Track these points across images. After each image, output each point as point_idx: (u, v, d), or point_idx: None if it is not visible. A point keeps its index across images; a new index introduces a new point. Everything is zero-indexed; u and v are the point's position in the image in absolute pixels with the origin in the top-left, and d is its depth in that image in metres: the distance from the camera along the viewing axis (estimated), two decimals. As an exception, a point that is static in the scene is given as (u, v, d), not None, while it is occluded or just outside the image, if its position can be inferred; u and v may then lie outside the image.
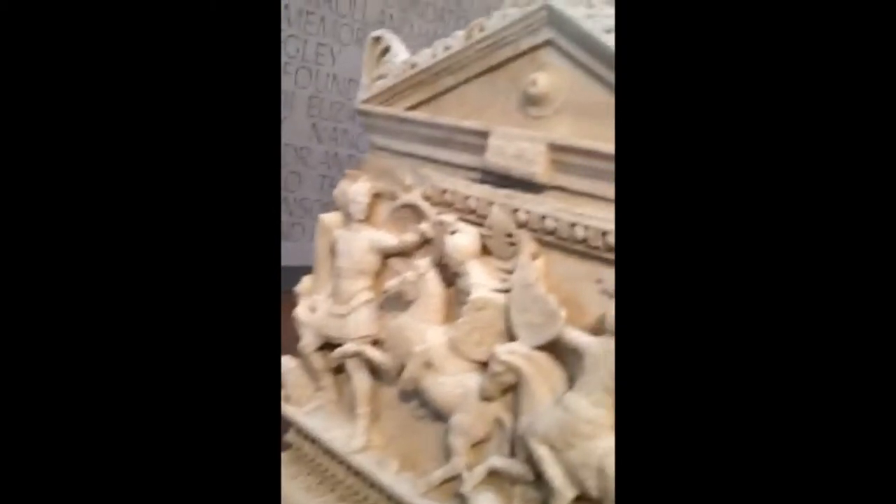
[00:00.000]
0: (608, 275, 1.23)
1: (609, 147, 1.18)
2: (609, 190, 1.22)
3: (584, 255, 1.28)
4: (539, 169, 1.30)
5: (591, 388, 1.20)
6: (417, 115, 1.56)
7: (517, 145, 1.33)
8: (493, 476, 1.39)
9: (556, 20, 1.29)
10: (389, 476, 1.55)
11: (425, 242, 1.55)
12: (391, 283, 1.57)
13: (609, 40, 1.20)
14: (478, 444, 1.44)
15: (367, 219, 1.70)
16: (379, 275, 1.68)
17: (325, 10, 3.99)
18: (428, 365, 1.46)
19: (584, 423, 1.19)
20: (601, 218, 1.23)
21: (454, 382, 1.43)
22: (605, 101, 1.24)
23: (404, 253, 1.61)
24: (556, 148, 1.28)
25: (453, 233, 1.44)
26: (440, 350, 1.46)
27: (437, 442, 1.51)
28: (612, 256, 1.22)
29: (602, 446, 1.17)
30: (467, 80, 1.49)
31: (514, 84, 1.39)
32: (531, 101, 1.35)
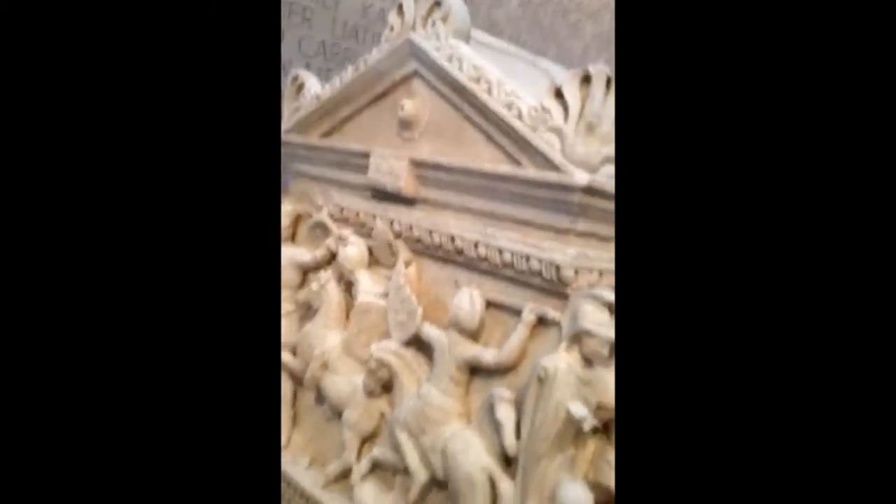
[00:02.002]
0: (464, 277, 1.36)
1: (456, 161, 1.33)
2: (458, 199, 1.36)
3: (444, 260, 1.41)
4: (403, 183, 1.45)
5: (440, 378, 1.32)
6: (320, 142, 1.74)
7: (389, 163, 1.49)
8: (380, 467, 1.51)
9: (417, 52, 1.46)
10: (299, 471, 1.68)
11: (333, 256, 1.71)
12: (299, 295, 1.73)
13: (452, 69, 1.35)
14: (371, 439, 1.57)
15: (291, 238, 1.88)
16: (301, 288, 1.84)
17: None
18: (325, 366, 1.60)
19: (434, 410, 1.31)
20: (454, 225, 1.37)
21: (345, 381, 1.56)
22: (457, 122, 1.39)
23: (319, 267, 1.77)
24: (415, 164, 1.43)
25: (347, 246, 1.60)
26: (335, 352, 1.60)
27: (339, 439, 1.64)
28: (461, 259, 1.35)
29: (449, 431, 1.28)
30: (360, 109, 1.66)
31: (393, 111, 1.56)
32: (403, 124, 1.51)
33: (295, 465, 1.71)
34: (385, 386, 1.49)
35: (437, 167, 1.40)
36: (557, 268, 1.16)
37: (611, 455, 1.26)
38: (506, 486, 1.18)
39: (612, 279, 1.22)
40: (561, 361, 1.13)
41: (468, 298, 1.29)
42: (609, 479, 1.25)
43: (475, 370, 1.32)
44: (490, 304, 1.32)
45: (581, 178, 1.10)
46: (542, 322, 1.22)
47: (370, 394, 1.50)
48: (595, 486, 1.26)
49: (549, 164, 1.16)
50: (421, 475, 1.32)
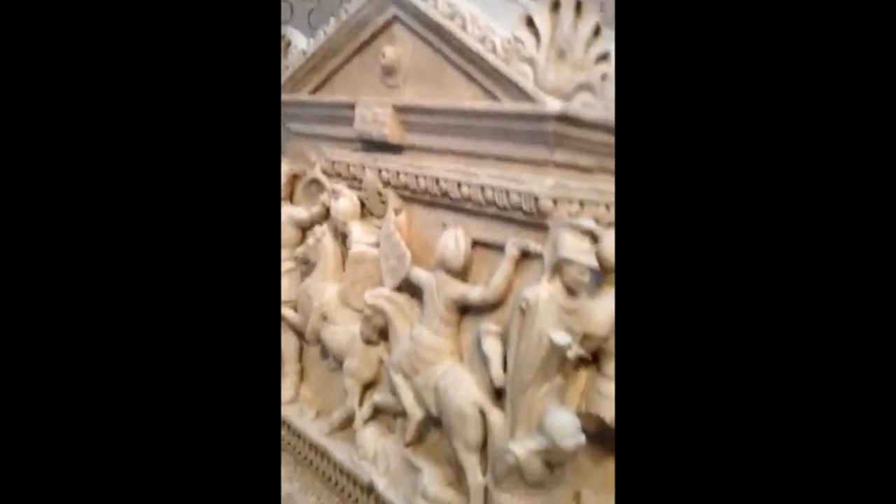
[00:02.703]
0: (450, 218, 1.37)
1: (437, 103, 1.33)
2: (442, 141, 1.36)
3: (432, 204, 1.42)
4: (388, 130, 1.45)
5: (430, 319, 1.33)
6: (310, 98, 1.74)
7: (373, 112, 1.49)
8: (382, 412, 1.54)
9: (395, -3, 1.45)
10: (306, 422, 1.72)
11: (328, 211, 1.72)
12: (298, 250, 1.75)
13: (428, 9, 1.34)
14: (372, 386, 1.60)
15: (289, 197, 1.90)
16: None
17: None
18: (324, 318, 1.63)
19: (426, 350, 1.33)
20: (438, 168, 1.37)
21: (344, 331, 1.59)
22: (438, 64, 1.38)
23: (315, 223, 1.79)
24: (398, 110, 1.43)
25: (339, 199, 1.62)
26: (332, 303, 1.63)
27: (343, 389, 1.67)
28: (447, 201, 1.35)
29: (440, 369, 1.30)
30: (346, 61, 1.66)
31: (377, 59, 1.55)
32: (386, 71, 1.51)
33: (302, 416, 1.75)
34: (382, 333, 1.51)
35: (418, 111, 1.40)
36: (536, 199, 1.16)
37: (602, 385, 1.27)
38: (495, 417, 1.20)
39: (595, 210, 1.22)
40: (542, 291, 1.13)
41: (453, 238, 1.29)
42: (600, 408, 1.26)
43: (465, 309, 1.33)
44: (476, 244, 1.32)
45: (553, 106, 1.09)
46: (525, 256, 1.22)
47: (368, 341, 1.53)
48: (587, 417, 1.28)
49: (524, 95, 1.15)
50: (416, 414, 1.35)
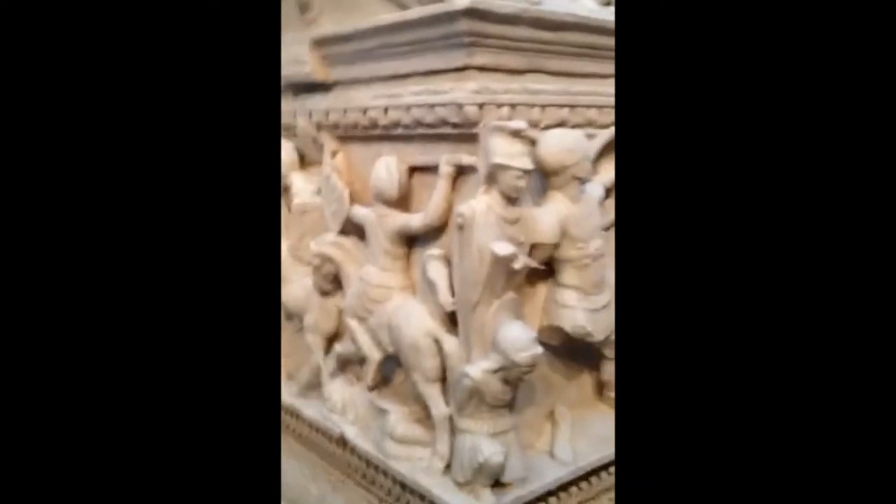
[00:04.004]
0: (386, 149, 1.30)
1: (349, 27, 1.25)
2: (365, 69, 1.28)
3: (366, 139, 1.35)
4: (311, 68, 1.37)
5: (376, 256, 1.27)
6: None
7: (293, 51, 1.41)
8: (348, 362, 1.48)
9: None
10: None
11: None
12: (244, 212, 1.68)
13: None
14: (337, 338, 1.54)
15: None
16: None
17: None
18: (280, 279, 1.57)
19: (375, 289, 1.27)
20: (363, 98, 1.30)
21: (299, 286, 1.53)
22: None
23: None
24: (315, 44, 1.35)
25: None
26: (285, 262, 1.57)
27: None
28: (379, 131, 1.28)
29: (392, 306, 1.24)
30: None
31: (292, -2, 1.47)
32: (301, 8, 1.43)
33: (274, 382, 1.70)
34: (336, 281, 1.45)
35: (334, 41, 1.32)
36: (460, 107, 1.09)
37: (559, 295, 1.22)
38: (450, 343, 1.15)
39: (528, 113, 1.15)
40: (478, 203, 1.07)
41: (384, 167, 1.23)
42: (559, 319, 1.21)
43: (412, 240, 1.27)
44: (414, 170, 1.26)
45: (460, 2, 1.02)
46: (462, 172, 1.15)
47: (323, 292, 1.47)
48: (548, 330, 1.23)
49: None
50: (374, 355, 1.30)
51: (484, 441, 1.09)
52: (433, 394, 1.18)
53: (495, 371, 1.07)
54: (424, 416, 1.25)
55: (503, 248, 1.05)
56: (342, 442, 1.40)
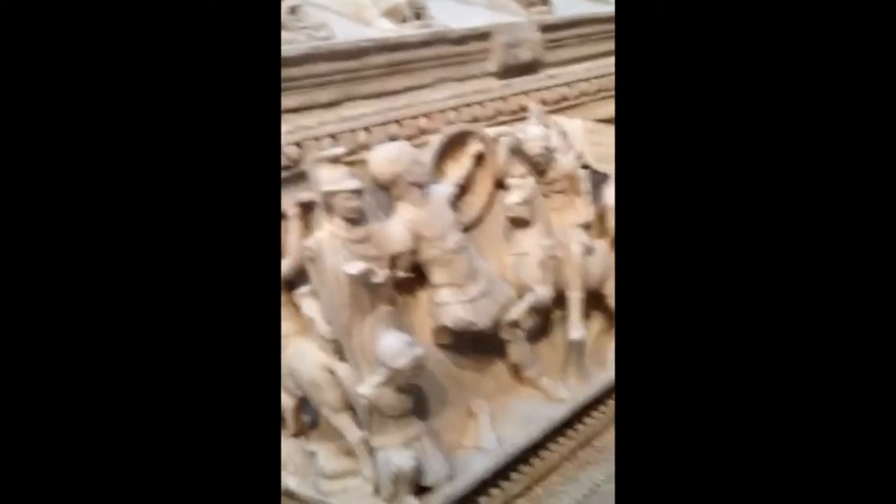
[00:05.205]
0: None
1: None
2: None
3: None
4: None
5: (263, 310, 1.31)
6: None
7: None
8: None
9: None
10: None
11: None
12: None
13: None
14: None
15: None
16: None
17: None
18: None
19: (272, 341, 1.31)
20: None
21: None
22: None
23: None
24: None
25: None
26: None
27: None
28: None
29: (289, 352, 1.28)
30: None
31: None
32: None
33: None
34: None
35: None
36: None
37: (434, 295, 1.26)
38: (342, 370, 1.18)
39: (352, 137, 1.21)
40: (321, 233, 1.12)
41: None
42: (440, 317, 1.25)
43: (290, 285, 1.31)
44: (275, 221, 1.31)
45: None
46: (309, 209, 1.21)
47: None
48: (437, 331, 1.27)
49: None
50: (287, 403, 1.33)
51: (393, 452, 1.12)
52: (344, 422, 1.21)
53: (384, 383, 1.11)
54: (350, 447, 1.27)
55: (354, 267, 1.10)
56: (289, 494, 1.42)
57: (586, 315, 1.54)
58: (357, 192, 1.12)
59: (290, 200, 1.20)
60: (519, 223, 1.39)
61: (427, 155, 1.29)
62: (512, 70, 1.50)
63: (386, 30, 1.28)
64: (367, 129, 1.24)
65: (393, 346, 1.10)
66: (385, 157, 1.19)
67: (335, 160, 1.11)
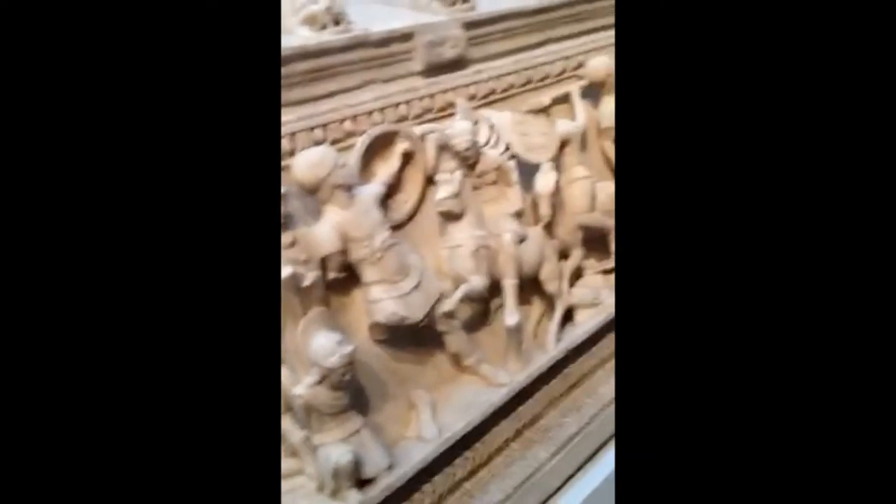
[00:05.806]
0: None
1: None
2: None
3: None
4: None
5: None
6: None
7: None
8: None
9: None
10: None
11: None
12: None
13: None
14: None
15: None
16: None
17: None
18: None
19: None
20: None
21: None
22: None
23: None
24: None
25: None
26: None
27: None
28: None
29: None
30: None
31: None
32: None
33: None
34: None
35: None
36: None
37: (366, 293, 1.30)
38: (281, 374, 1.21)
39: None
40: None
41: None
42: (373, 313, 1.29)
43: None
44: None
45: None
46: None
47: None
48: (372, 327, 1.31)
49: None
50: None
51: (332, 448, 1.16)
52: (286, 424, 1.24)
53: (318, 382, 1.14)
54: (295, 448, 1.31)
55: (282, 272, 1.13)
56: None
57: (526, 301, 1.60)
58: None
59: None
60: (450, 217, 1.43)
61: (352, 157, 1.32)
62: (438, 68, 1.52)
63: (306, 37, 1.31)
64: (291, 135, 1.26)
65: (324, 345, 1.14)
66: (307, 163, 1.22)
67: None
